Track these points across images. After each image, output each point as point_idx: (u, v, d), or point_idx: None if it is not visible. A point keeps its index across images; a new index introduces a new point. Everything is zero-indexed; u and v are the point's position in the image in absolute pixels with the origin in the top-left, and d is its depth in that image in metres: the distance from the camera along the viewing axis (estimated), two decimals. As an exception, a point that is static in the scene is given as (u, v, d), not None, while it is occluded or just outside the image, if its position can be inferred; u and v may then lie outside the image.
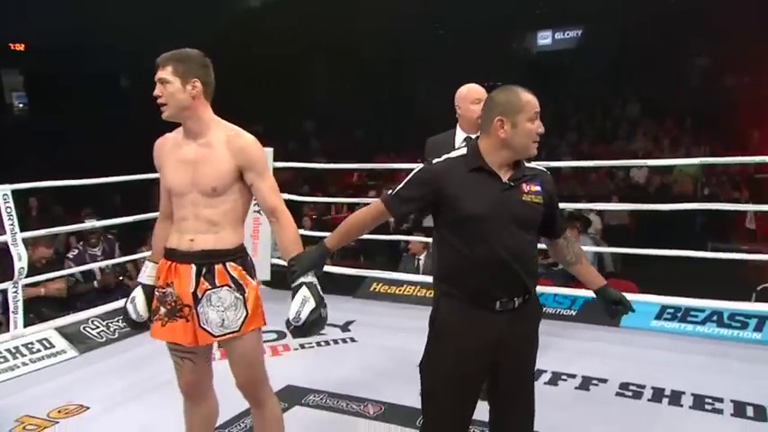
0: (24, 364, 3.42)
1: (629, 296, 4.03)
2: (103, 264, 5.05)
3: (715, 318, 3.70)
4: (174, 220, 2.02)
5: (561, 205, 2.09)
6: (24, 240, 3.61)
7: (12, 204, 3.57)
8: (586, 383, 3.07)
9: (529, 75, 12.14)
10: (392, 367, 3.32)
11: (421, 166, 1.84)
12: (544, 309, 3.95)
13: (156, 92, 1.92)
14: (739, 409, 2.78)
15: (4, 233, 3.55)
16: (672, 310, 3.75)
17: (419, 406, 2.75)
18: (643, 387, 3.00)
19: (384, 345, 3.70)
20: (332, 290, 4.52)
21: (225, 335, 1.94)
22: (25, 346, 3.51)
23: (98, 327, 3.87)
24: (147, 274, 2.09)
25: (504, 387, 1.82)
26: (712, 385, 2.98)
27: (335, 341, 3.80)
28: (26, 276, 3.65)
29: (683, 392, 2.93)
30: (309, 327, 1.82)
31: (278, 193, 1.99)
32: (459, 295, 1.77)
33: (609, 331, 3.75)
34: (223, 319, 1.93)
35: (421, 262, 5.37)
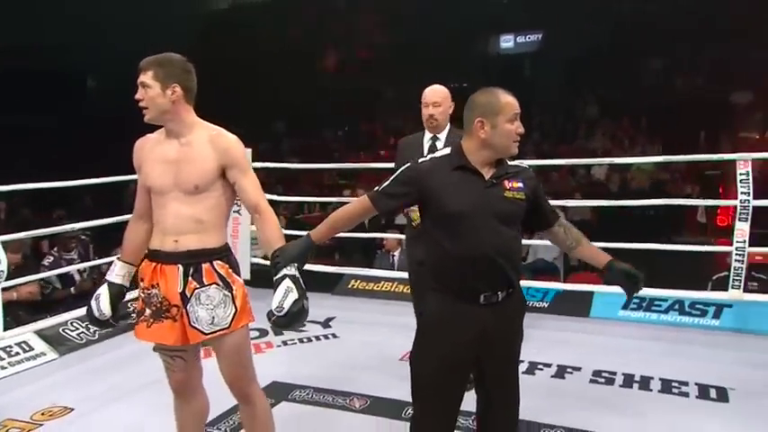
0: (3, 367, 3.31)
1: (595, 288, 4.21)
2: (81, 266, 4.89)
3: (677, 307, 3.84)
4: (154, 220, 1.99)
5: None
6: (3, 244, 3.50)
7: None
8: (561, 372, 3.15)
9: (492, 77, 12.30)
10: (374, 361, 3.34)
11: (407, 164, 1.86)
12: (517, 301, 4.04)
13: (138, 95, 1.90)
14: (703, 391, 2.89)
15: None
16: (637, 301, 3.87)
17: (404, 398, 2.80)
18: (614, 374, 3.09)
19: (365, 340, 3.71)
20: (310, 287, 4.44)
21: (215, 332, 1.92)
22: (3, 349, 3.40)
23: (77, 329, 3.77)
24: (116, 273, 2.04)
25: (490, 378, 1.85)
26: (678, 370, 3.09)
27: (317, 337, 3.79)
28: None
29: (652, 378, 3.03)
30: (292, 318, 1.79)
31: (260, 189, 1.98)
32: (445, 290, 1.80)
33: (579, 322, 3.85)
34: (213, 317, 1.91)
35: (396, 258, 5.39)
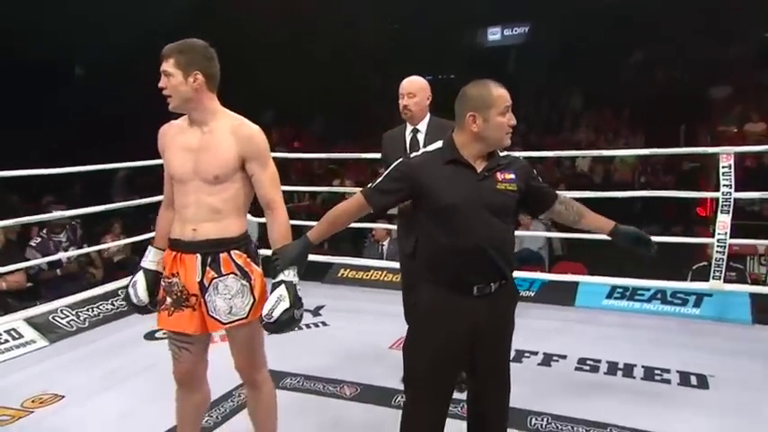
0: (-7, 355, 3.26)
1: (580, 278, 4.23)
2: (73, 253, 4.83)
3: (659, 296, 3.88)
4: (176, 208, 1.96)
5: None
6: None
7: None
8: (548, 360, 3.16)
9: (479, 69, 12.26)
10: (364, 349, 3.33)
11: (400, 159, 1.84)
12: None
13: (161, 84, 1.86)
14: (685, 378, 2.92)
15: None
16: (621, 290, 3.90)
17: (393, 386, 2.82)
18: (599, 361, 3.11)
19: (355, 328, 3.71)
20: (301, 276, 4.53)
21: (233, 322, 1.90)
22: (-7, 337, 3.35)
23: (67, 316, 3.72)
24: (150, 259, 2.04)
25: (483, 367, 1.85)
26: (660, 358, 3.12)
27: (308, 326, 3.78)
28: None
29: (635, 365, 3.06)
30: (280, 326, 1.80)
31: (278, 185, 1.94)
32: (438, 281, 1.79)
33: (565, 310, 3.88)
34: (231, 307, 1.89)
35: (384, 248, 5.38)
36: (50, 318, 3.65)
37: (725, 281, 3.57)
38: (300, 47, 13.35)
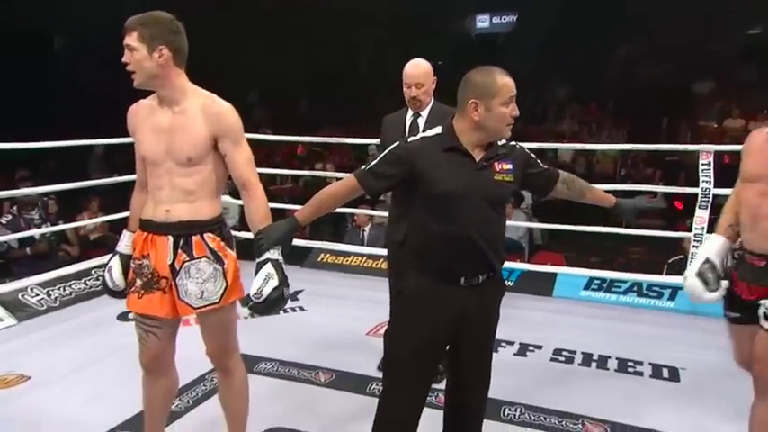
0: (-42, 333, 3.16)
1: (559, 269, 4.23)
2: (46, 230, 4.70)
3: (635, 288, 3.89)
4: (149, 189, 1.88)
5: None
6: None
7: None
8: (523, 350, 3.15)
9: (467, 55, 12.18)
10: (341, 336, 3.30)
11: (397, 143, 1.78)
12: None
13: (124, 58, 1.75)
14: (657, 371, 2.94)
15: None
16: (598, 282, 3.90)
17: (369, 373, 2.78)
18: (574, 352, 3.11)
19: (332, 313, 3.66)
20: (285, 257, 4.46)
21: (204, 306, 1.83)
22: (-42, 314, 3.25)
23: (38, 294, 3.61)
24: (125, 243, 1.96)
25: (467, 358, 1.83)
26: (633, 350, 3.13)
27: (285, 310, 3.68)
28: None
29: (609, 357, 3.06)
30: (270, 304, 1.72)
31: (252, 165, 1.85)
32: (426, 269, 1.75)
33: (543, 300, 3.87)
34: (203, 291, 1.82)
35: (366, 234, 5.34)
36: (20, 296, 3.54)
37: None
38: (288, 30, 13.13)
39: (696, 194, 3.59)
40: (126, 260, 1.94)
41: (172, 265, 1.81)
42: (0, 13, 10.80)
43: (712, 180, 3.52)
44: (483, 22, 14.24)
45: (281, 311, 3.57)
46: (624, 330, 3.45)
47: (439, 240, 1.71)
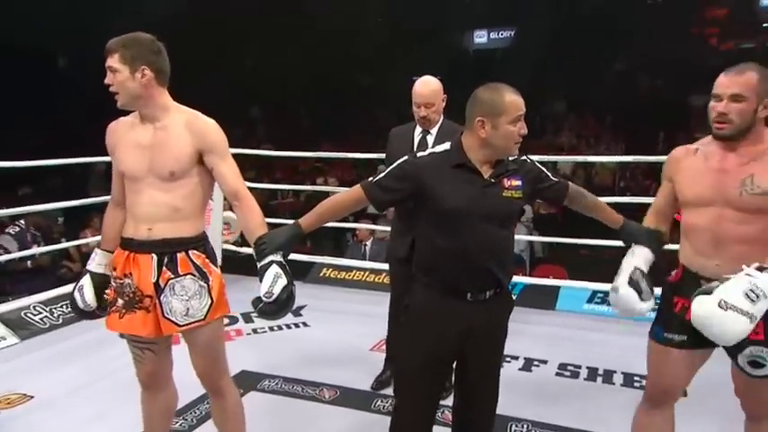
0: (-40, 352, 3.12)
1: (561, 282, 4.19)
2: (51, 248, 4.68)
3: (639, 301, 3.84)
4: (127, 207, 1.86)
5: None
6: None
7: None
8: (528, 365, 3.11)
9: (466, 70, 12.26)
10: (345, 351, 3.25)
11: (405, 158, 1.76)
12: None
13: (107, 80, 1.75)
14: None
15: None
16: (602, 295, 3.85)
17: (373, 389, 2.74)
18: (579, 367, 3.07)
19: (336, 329, 3.62)
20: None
21: (190, 324, 1.80)
22: (-39, 333, 3.21)
23: (41, 312, 3.57)
24: (97, 262, 1.92)
25: (474, 374, 1.80)
26: (639, 364, 3.05)
27: (288, 326, 3.68)
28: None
29: (615, 371, 3.02)
30: (282, 304, 1.67)
31: (240, 176, 1.85)
32: (433, 284, 1.73)
33: (546, 314, 3.83)
34: (188, 308, 1.79)
35: (367, 248, 5.31)
36: (22, 314, 3.50)
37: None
38: (289, 47, 13.22)
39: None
40: (97, 279, 1.90)
41: (156, 283, 1.78)
42: (3, 31, 10.88)
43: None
44: (481, 37, 14.37)
45: (284, 327, 3.61)
46: (629, 344, 3.38)
47: (445, 256, 1.70)
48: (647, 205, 2.01)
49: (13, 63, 10.90)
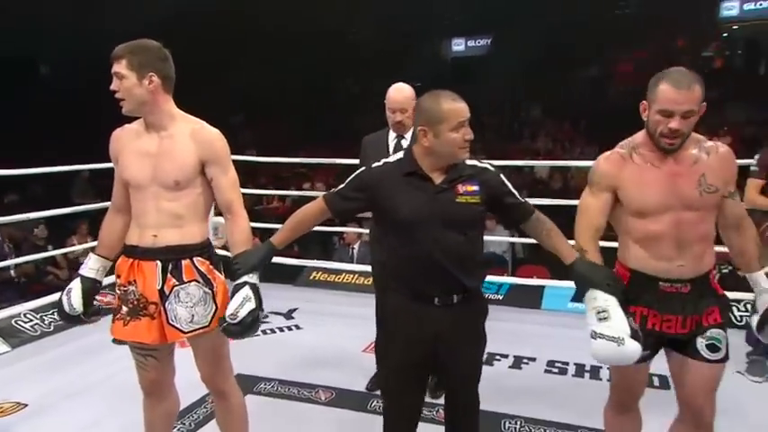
0: (-50, 361, 3.02)
1: (546, 282, 4.22)
2: (38, 256, 4.57)
3: (621, 299, 3.90)
4: (132, 215, 1.82)
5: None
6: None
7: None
8: (518, 363, 3.14)
9: (445, 78, 12.34)
10: (338, 353, 3.24)
11: (363, 169, 1.75)
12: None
13: (113, 86, 1.72)
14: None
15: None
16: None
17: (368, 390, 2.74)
18: (567, 364, 3.10)
19: (328, 331, 3.60)
20: (273, 278, 4.41)
21: (194, 330, 1.78)
22: (-50, 342, 3.11)
23: (31, 320, 3.49)
24: (90, 267, 1.88)
25: (451, 379, 1.79)
26: (624, 360, 3.12)
27: (281, 329, 3.65)
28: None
29: (601, 367, 3.05)
30: (245, 327, 1.68)
31: (237, 189, 1.83)
32: (402, 290, 1.73)
33: (532, 313, 3.87)
34: (192, 315, 1.76)
35: (355, 251, 5.31)
36: (13, 322, 3.41)
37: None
38: (272, 53, 13.16)
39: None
40: (88, 284, 1.86)
41: (161, 290, 1.76)
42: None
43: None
44: (458, 45, 14.48)
45: (278, 330, 3.58)
46: (612, 341, 3.45)
47: (408, 263, 1.68)
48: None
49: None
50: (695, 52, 12.79)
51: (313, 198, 1.83)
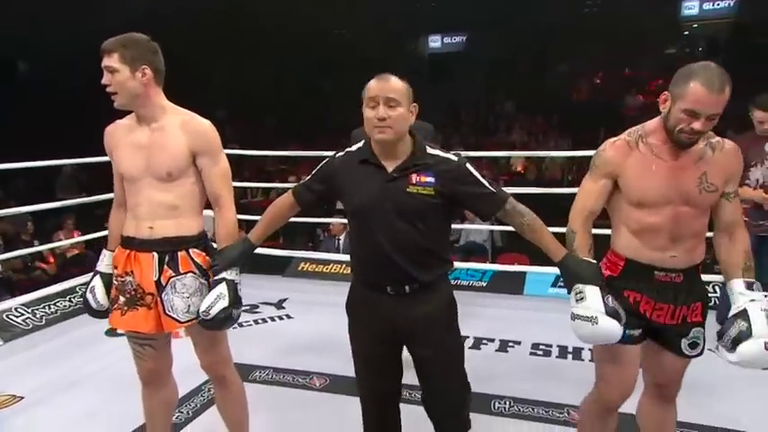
0: (-58, 356, 2.93)
1: (527, 268, 4.26)
2: (28, 251, 4.43)
3: (598, 284, 3.96)
4: (128, 207, 1.79)
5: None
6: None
7: None
8: (504, 346, 3.17)
9: (422, 74, 12.34)
10: (329, 341, 3.21)
11: (327, 159, 1.72)
12: (458, 282, 4.05)
13: (105, 80, 1.67)
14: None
15: None
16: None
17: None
18: (550, 346, 3.14)
19: (318, 320, 3.57)
20: (262, 270, 4.37)
21: (191, 320, 1.75)
22: (-59, 338, 3.01)
23: (23, 314, 3.40)
24: (105, 263, 1.86)
25: (421, 371, 1.72)
26: (603, 341, 3.18)
27: (272, 318, 3.63)
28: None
29: (583, 348, 3.10)
30: (217, 323, 1.68)
31: (227, 181, 1.80)
32: (359, 279, 1.71)
33: (515, 299, 3.91)
34: (189, 305, 1.74)
35: (341, 242, 5.28)
36: (4, 316, 3.32)
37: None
38: (255, 50, 12.97)
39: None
40: (107, 279, 1.85)
41: (158, 281, 1.74)
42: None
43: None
44: (435, 42, 14.46)
45: (269, 320, 3.55)
46: (591, 323, 3.51)
47: (362, 251, 1.66)
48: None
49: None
50: (658, 49, 13.03)
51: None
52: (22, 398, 2.58)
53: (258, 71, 12.94)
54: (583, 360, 2.99)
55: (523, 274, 4.07)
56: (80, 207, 5.00)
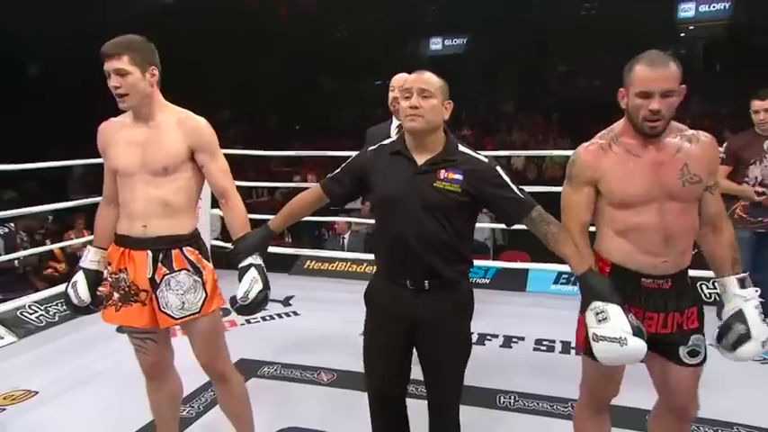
0: (-43, 353, 2.93)
1: (529, 265, 4.25)
2: (40, 249, 4.45)
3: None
4: (120, 204, 1.78)
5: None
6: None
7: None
8: (508, 342, 3.16)
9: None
10: (336, 337, 3.22)
11: (359, 152, 1.72)
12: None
13: (114, 83, 1.66)
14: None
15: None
16: (566, 275, 3.94)
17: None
18: (553, 342, 3.13)
19: (325, 317, 3.58)
20: (268, 267, 4.34)
21: (185, 317, 1.76)
22: (-44, 334, 3.02)
23: (36, 311, 3.40)
24: (90, 259, 1.86)
25: (425, 365, 1.70)
26: (604, 336, 3.17)
27: (279, 315, 3.63)
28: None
29: (585, 344, 3.10)
30: (255, 307, 1.69)
31: (229, 175, 1.81)
32: (381, 270, 1.71)
33: (518, 296, 3.90)
34: (183, 302, 1.75)
35: (345, 240, 5.28)
36: (18, 313, 3.33)
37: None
38: (257, 52, 12.96)
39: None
40: (91, 275, 1.85)
41: (152, 279, 1.74)
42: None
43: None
44: (436, 44, 14.45)
45: (276, 317, 3.55)
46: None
47: (384, 242, 1.65)
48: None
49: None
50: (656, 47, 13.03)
51: (303, 189, 1.80)
52: (37, 393, 2.58)
53: (261, 71, 12.94)
54: (585, 355, 2.98)
55: (526, 271, 4.06)
56: (90, 207, 5.00)
